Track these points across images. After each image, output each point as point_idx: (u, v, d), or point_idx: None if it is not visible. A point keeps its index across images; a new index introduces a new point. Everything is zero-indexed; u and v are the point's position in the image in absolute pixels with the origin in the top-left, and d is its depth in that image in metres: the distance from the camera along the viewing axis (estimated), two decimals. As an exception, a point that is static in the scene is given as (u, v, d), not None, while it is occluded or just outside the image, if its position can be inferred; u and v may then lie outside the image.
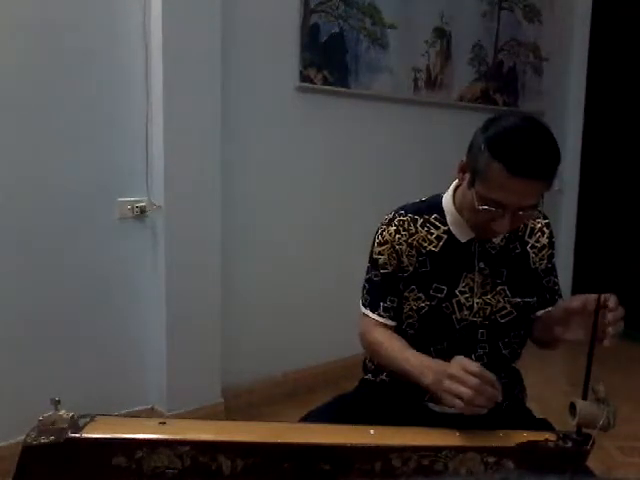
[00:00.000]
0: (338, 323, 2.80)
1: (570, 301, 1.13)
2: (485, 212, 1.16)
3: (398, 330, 1.33)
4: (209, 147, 2.29)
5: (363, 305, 1.35)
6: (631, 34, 3.76)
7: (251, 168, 2.52)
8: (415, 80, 3.03)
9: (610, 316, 1.04)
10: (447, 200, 1.32)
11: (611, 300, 1.05)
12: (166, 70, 2.15)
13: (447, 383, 1.05)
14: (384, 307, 1.31)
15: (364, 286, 1.36)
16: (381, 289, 1.32)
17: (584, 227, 3.98)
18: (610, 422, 1.00)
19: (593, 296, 1.06)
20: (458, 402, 1.02)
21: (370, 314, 1.33)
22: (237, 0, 2.38)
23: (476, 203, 1.16)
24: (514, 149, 1.11)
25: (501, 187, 1.12)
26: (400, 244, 1.29)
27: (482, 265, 1.29)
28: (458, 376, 1.04)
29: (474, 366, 1.05)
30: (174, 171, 2.21)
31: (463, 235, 1.29)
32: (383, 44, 2.86)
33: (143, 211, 2.23)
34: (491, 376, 1.04)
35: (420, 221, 1.30)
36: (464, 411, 1.03)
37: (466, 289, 1.28)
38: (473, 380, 1.02)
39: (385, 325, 1.31)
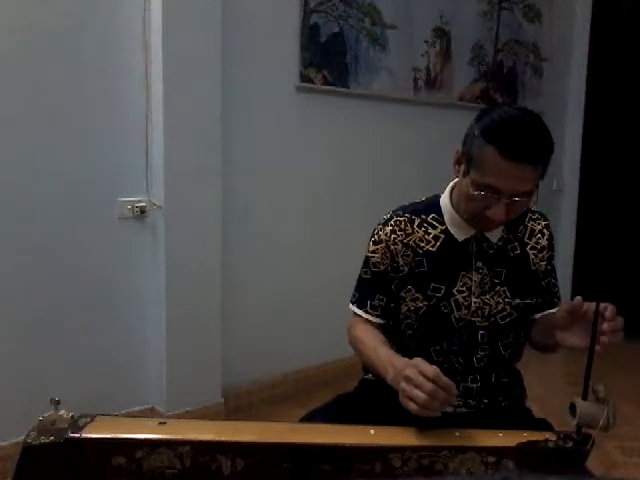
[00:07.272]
0: (338, 323, 2.78)
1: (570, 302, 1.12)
2: (480, 199, 1.17)
3: (390, 329, 1.33)
4: (209, 147, 2.29)
5: (351, 302, 1.37)
6: (631, 34, 3.76)
7: (251, 168, 2.52)
8: (415, 80, 3.03)
9: (606, 326, 1.03)
10: (444, 199, 1.33)
11: (608, 310, 1.04)
12: (166, 70, 2.15)
13: (403, 384, 1.04)
14: (371, 305, 1.32)
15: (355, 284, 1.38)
16: (370, 287, 1.32)
17: (584, 227, 3.98)
18: (610, 422, 1.00)
19: (592, 304, 1.05)
20: (412, 405, 1.01)
21: (357, 311, 1.34)
22: (237, 0, 2.38)
23: (470, 189, 1.17)
24: (507, 133, 1.12)
25: (494, 171, 1.13)
26: (395, 244, 1.29)
27: (480, 264, 1.29)
28: (414, 379, 1.02)
29: (430, 370, 1.02)
30: (174, 171, 2.21)
31: (461, 234, 1.29)
32: (383, 44, 2.86)
33: (143, 211, 2.23)
34: (446, 380, 1.02)
35: (417, 221, 1.31)
36: (417, 414, 1.02)
37: (464, 288, 1.28)
38: (428, 385, 1.00)
39: (370, 322, 1.32)
